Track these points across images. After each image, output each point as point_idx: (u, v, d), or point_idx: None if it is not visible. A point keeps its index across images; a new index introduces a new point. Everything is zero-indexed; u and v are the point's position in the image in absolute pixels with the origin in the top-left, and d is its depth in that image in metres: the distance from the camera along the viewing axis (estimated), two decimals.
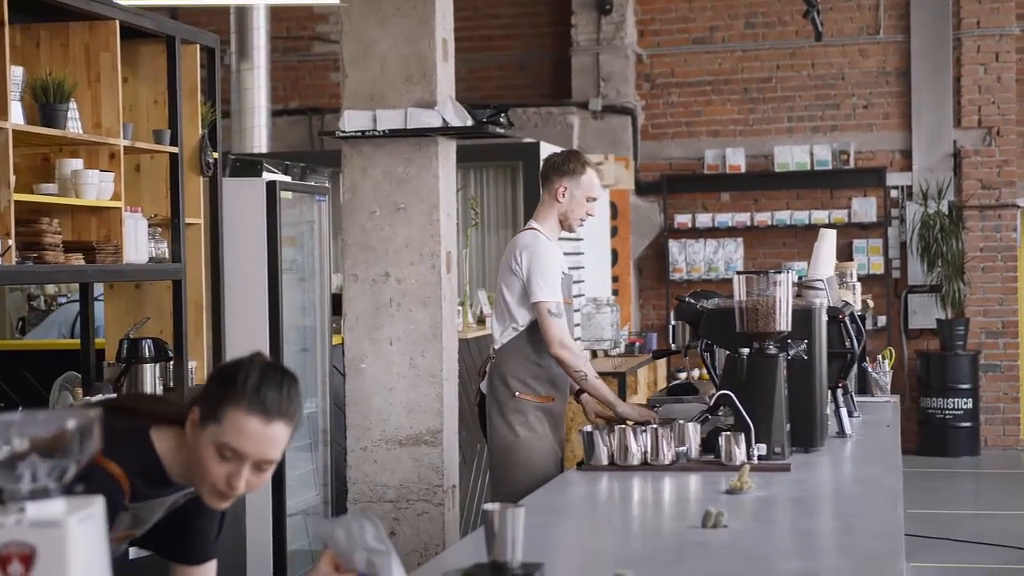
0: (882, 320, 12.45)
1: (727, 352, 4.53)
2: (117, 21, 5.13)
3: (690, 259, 12.82)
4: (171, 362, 5.49)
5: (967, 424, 12.16)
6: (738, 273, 4.44)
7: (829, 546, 3.17)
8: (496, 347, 5.28)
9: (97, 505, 1.79)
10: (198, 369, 5.76)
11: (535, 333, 5.14)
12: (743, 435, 4.20)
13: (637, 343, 10.82)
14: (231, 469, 2.56)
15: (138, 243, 5.22)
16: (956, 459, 12.00)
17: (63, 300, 8.66)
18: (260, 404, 2.55)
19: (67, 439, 1.75)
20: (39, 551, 1.70)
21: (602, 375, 8.88)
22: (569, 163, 5.29)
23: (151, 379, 5.33)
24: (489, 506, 2.72)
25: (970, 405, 12.15)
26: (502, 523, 2.71)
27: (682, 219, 12.83)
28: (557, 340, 5.05)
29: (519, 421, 5.17)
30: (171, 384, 5.52)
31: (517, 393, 5.18)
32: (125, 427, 2.65)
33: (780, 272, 4.39)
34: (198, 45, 5.83)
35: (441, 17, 5.94)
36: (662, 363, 11.02)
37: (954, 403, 12.13)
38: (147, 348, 5.34)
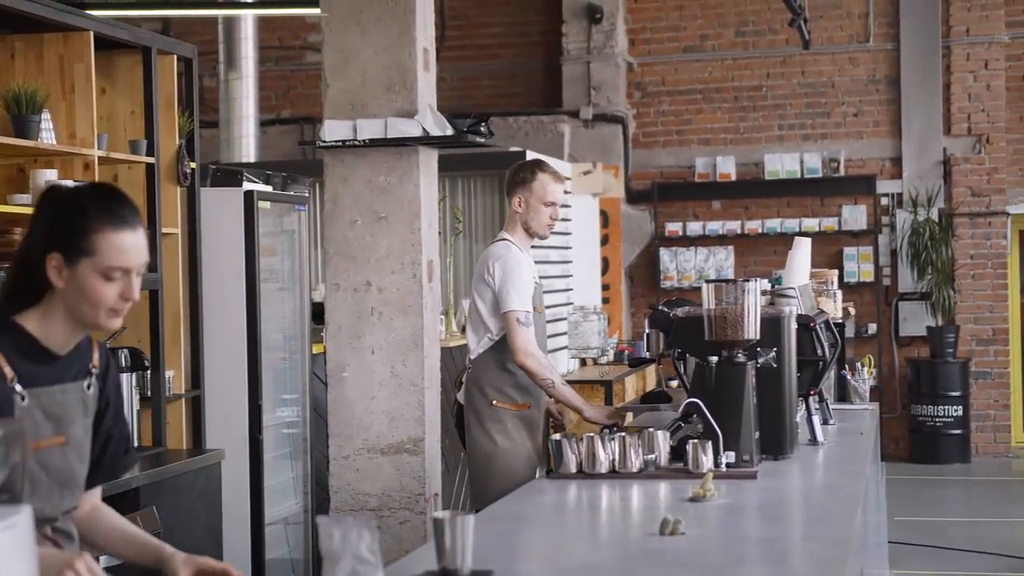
0: (872, 327, 12.46)
1: (697, 360, 4.55)
2: (91, 32, 5.15)
3: (681, 267, 12.84)
4: (148, 371, 5.51)
5: (958, 431, 12.17)
6: (707, 281, 4.46)
7: (782, 553, 3.18)
8: (472, 357, 5.36)
9: (24, 514, 1.80)
10: (175, 379, 5.78)
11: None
12: (710, 443, 4.21)
13: (627, 351, 10.83)
14: (121, 286, 2.67)
15: None
16: (947, 466, 12.00)
17: None
18: (121, 220, 2.66)
19: None
20: None
21: (589, 383, 8.96)
22: (520, 173, 5.41)
23: (127, 388, 5.35)
24: (438, 514, 2.74)
25: (960, 412, 12.15)
26: (452, 531, 2.73)
27: (673, 227, 12.85)
28: (522, 349, 5.13)
29: (497, 429, 5.23)
30: (148, 394, 5.54)
31: (494, 402, 5.26)
32: None
33: (748, 280, 4.41)
34: (175, 56, 5.85)
35: (422, 27, 5.96)
36: (651, 371, 11.03)
37: (944, 410, 12.13)
38: (124, 357, 5.35)
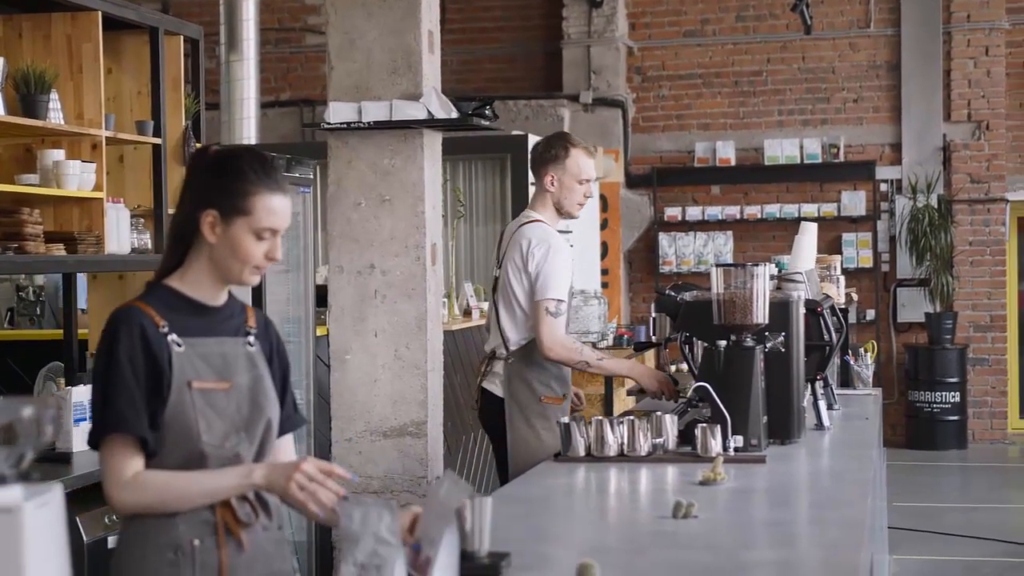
0: (871, 314, 12.48)
1: (705, 344, 4.55)
2: (99, 12, 5.14)
3: (680, 252, 12.85)
4: None
5: (955, 418, 12.20)
6: (716, 266, 4.46)
7: (795, 536, 3.19)
8: (511, 347, 5.11)
9: (56, 492, 1.81)
10: None
11: None
12: (719, 427, 4.22)
13: (626, 335, 10.84)
14: (268, 246, 2.84)
15: (120, 234, 5.23)
16: (944, 452, 12.03)
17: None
18: (276, 184, 2.84)
19: (23, 426, 1.77)
20: None
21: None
22: (551, 149, 5.15)
23: None
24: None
25: (958, 399, 12.18)
26: (470, 513, 2.73)
27: (672, 212, 12.86)
28: (547, 342, 4.92)
29: (543, 425, 5.04)
30: None
31: (543, 398, 5.07)
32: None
33: (758, 265, 4.41)
34: (182, 36, 5.84)
35: (427, 9, 5.96)
36: (651, 355, 11.05)
37: (942, 396, 12.16)
38: None
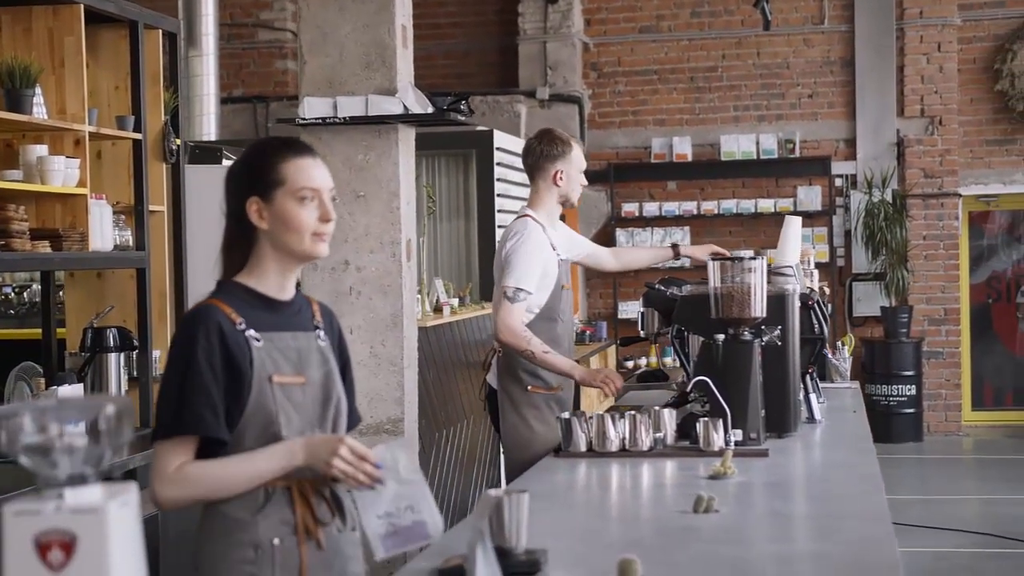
0: (827, 308, 12.54)
1: (702, 339, 4.54)
2: (81, 5, 5.05)
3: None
4: (135, 351, 5.42)
5: (910, 410, 12.31)
6: (713, 259, 4.45)
7: (822, 530, 3.18)
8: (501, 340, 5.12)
9: (132, 492, 1.76)
10: (163, 359, 5.69)
11: (540, 323, 5.05)
12: (720, 421, 4.21)
13: (587, 332, 10.86)
14: (318, 210, 2.82)
15: (103, 230, 5.15)
16: (900, 445, 12.13)
17: (8, 290, 8.54)
18: (297, 150, 2.86)
19: (106, 425, 1.73)
20: (79, 537, 1.68)
21: None
22: (556, 146, 5.23)
23: (115, 368, 5.26)
24: (494, 492, 2.71)
25: (913, 392, 12.29)
26: (508, 509, 2.71)
27: (629, 208, 12.87)
28: (500, 325, 4.98)
29: (533, 415, 5.08)
30: (135, 374, 5.45)
31: (529, 387, 5.11)
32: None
33: (755, 258, 4.41)
34: (160, 31, 5.75)
35: (400, 3, 5.93)
36: (612, 351, 11.08)
37: (898, 390, 12.26)
38: (112, 337, 5.26)
